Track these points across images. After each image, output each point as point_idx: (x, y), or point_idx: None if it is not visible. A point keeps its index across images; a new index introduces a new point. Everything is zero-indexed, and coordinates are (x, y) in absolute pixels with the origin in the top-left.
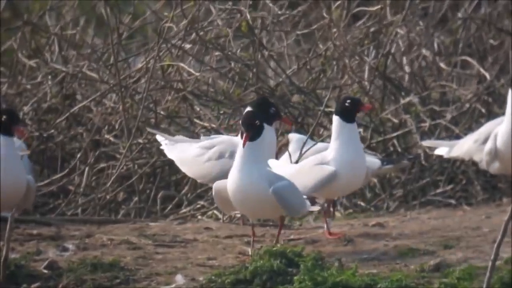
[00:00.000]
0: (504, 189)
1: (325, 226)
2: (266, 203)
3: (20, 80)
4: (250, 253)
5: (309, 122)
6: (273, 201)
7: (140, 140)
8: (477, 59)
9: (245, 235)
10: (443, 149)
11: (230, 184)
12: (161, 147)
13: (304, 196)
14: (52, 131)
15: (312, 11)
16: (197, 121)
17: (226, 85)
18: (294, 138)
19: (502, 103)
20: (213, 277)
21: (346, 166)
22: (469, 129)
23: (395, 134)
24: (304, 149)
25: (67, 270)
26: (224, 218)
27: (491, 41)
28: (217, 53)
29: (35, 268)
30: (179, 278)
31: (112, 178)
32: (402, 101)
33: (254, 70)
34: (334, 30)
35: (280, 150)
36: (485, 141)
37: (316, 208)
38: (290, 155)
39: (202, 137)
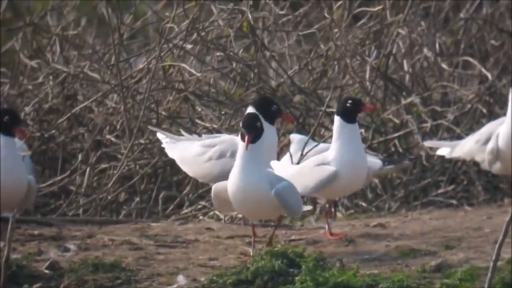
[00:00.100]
0: (506, 189)
1: (327, 227)
2: (267, 204)
3: (22, 81)
4: (251, 253)
5: (310, 122)
6: (274, 202)
7: (142, 141)
8: (479, 59)
9: (246, 235)
10: (444, 150)
11: (231, 185)
12: (162, 145)
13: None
14: (54, 131)
15: (314, 11)
16: (199, 121)
17: (228, 85)
18: (295, 138)
19: (504, 104)
20: (214, 278)
21: (347, 166)
22: (471, 130)
23: (396, 135)
24: (305, 150)
25: (68, 271)
26: (226, 219)
27: (493, 41)
28: (218, 54)
29: (37, 269)
30: (181, 279)
31: (114, 179)
32: (404, 102)
33: (256, 70)
34: (336, 30)
35: (282, 150)
36: (486, 141)
37: (308, 207)
38: (291, 155)
39: (203, 136)
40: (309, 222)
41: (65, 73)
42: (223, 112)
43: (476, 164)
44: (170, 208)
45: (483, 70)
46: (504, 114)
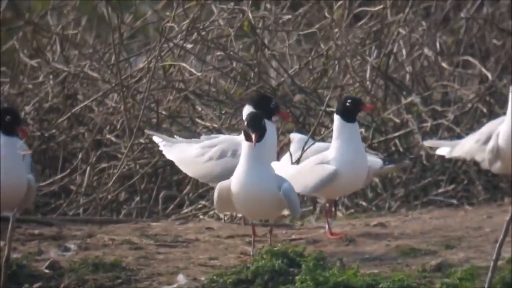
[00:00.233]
0: (506, 189)
1: (327, 226)
2: (273, 203)
3: (22, 80)
4: (251, 253)
5: (310, 122)
6: (281, 202)
7: (142, 140)
8: (479, 59)
9: (246, 235)
10: (444, 149)
11: (237, 184)
12: (160, 149)
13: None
14: (54, 131)
15: (314, 11)
16: (199, 121)
17: (228, 84)
18: (295, 138)
19: (504, 103)
20: (214, 277)
21: (347, 166)
22: (471, 129)
23: (396, 134)
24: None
25: (68, 270)
26: (226, 218)
27: (494, 41)
28: (218, 53)
29: (37, 268)
30: (181, 278)
31: (114, 178)
32: (404, 101)
33: (256, 69)
34: (336, 30)
35: (282, 150)
36: (486, 141)
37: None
38: (291, 155)
39: (202, 137)
40: (309, 221)
41: (65, 72)
42: (223, 112)
43: (476, 163)
44: (170, 208)
45: (483, 69)
46: (504, 114)
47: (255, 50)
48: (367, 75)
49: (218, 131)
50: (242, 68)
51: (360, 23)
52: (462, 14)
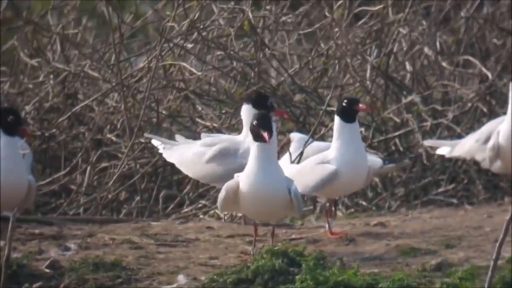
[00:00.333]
0: (506, 188)
1: (327, 226)
2: (282, 204)
3: (22, 80)
4: (251, 252)
5: (310, 121)
6: (290, 203)
7: (142, 140)
8: (479, 58)
9: (246, 234)
10: (444, 149)
11: (248, 185)
12: (160, 152)
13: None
14: (54, 130)
15: (314, 10)
16: (199, 120)
17: (228, 84)
18: (295, 137)
19: (504, 103)
20: (215, 277)
21: (347, 166)
22: (471, 129)
23: (397, 134)
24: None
25: (69, 270)
26: (226, 218)
27: (495, 40)
28: (219, 53)
29: (37, 268)
30: (181, 278)
31: (114, 178)
32: (404, 101)
33: (256, 69)
34: (336, 29)
35: (282, 149)
36: (486, 140)
37: None
38: (290, 154)
39: (202, 135)
40: (309, 221)
41: (65, 72)
42: (223, 111)
43: (476, 163)
44: (171, 207)
45: (484, 69)
46: (504, 113)
47: (255, 50)
48: (367, 74)
49: (218, 131)
50: (242, 68)
51: (360, 22)
52: (462, 14)
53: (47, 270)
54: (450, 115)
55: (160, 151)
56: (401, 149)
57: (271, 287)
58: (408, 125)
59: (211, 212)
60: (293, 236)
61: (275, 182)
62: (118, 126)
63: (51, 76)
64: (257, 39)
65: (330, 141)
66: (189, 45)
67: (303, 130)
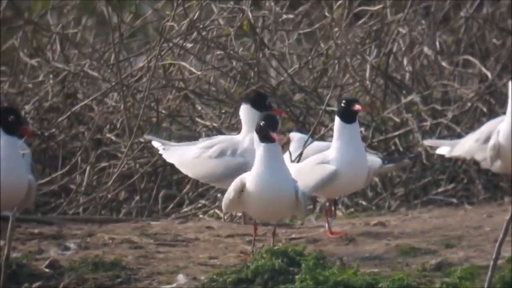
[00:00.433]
0: (506, 188)
1: (327, 225)
2: (289, 204)
3: (22, 79)
4: (251, 250)
5: (310, 121)
6: (296, 203)
7: (142, 139)
8: (479, 58)
9: (246, 234)
10: (444, 149)
11: (257, 185)
12: (160, 152)
13: None
14: (54, 130)
15: (314, 10)
16: (199, 120)
17: (228, 84)
18: (295, 137)
19: (504, 102)
20: (214, 276)
21: (347, 166)
22: (471, 128)
23: (396, 133)
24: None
25: (68, 269)
26: (225, 217)
27: (494, 40)
28: (218, 52)
29: (37, 267)
30: (181, 277)
31: (114, 177)
32: (404, 100)
33: (256, 69)
34: (336, 29)
35: (282, 149)
36: (486, 140)
37: None
38: (290, 154)
39: (200, 139)
40: (309, 220)
41: (65, 71)
42: (223, 111)
43: (476, 163)
44: (170, 207)
45: (483, 69)
46: (504, 113)
47: (254, 50)
48: (367, 74)
49: (218, 130)
50: (242, 67)
51: (360, 22)
52: (462, 14)
53: (47, 270)
54: (450, 115)
55: (160, 152)
56: (400, 149)
57: (271, 286)
58: (407, 125)
59: (211, 211)
60: (293, 236)
61: (283, 182)
62: (118, 125)
63: (51, 76)
64: (256, 39)
65: (330, 141)
66: (189, 45)
67: (302, 130)
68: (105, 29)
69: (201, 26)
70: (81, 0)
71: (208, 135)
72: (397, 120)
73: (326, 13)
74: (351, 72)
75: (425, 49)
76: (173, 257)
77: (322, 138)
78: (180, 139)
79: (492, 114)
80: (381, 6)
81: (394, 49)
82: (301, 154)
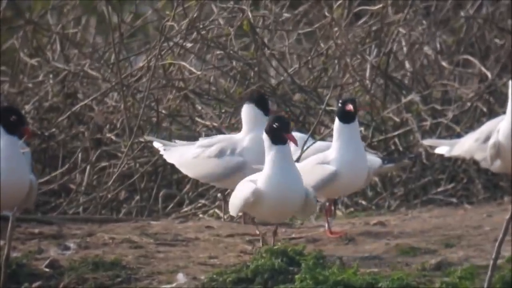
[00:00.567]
0: (506, 187)
1: (326, 225)
2: (300, 204)
3: (22, 79)
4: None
5: (310, 121)
6: (306, 204)
7: (142, 139)
8: (479, 58)
9: (246, 233)
10: (444, 148)
11: (273, 186)
12: (160, 153)
13: None
14: (54, 129)
15: (314, 10)
16: (199, 119)
17: (228, 83)
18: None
19: (504, 102)
20: (214, 276)
21: (347, 166)
22: (471, 128)
23: (396, 133)
24: (304, 148)
25: (68, 269)
26: (225, 217)
27: (497, 41)
28: (218, 52)
29: (37, 267)
30: (181, 277)
31: (114, 177)
32: (404, 100)
33: (256, 69)
34: (336, 29)
35: None
36: (486, 139)
37: None
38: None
39: (200, 139)
40: (309, 220)
41: (65, 71)
42: (223, 111)
43: (475, 162)
44: (170, 207)
45: (483, 68)
46: (504, 113)
47: (254, 49)
48: (367, 74)
49: (218, 130)
50: (242, 67)
51: (360, 22)
52: (462, 13)
53: (47, 270)
54: (450, 115)
55: (160, 152)
56: (400, 148)
57: (270, 286)
58: (407, 124)
59: (211, 211)
60: (293, 235)
61: (296, 183)
62: (118, 125)
63: (51, 76)
64: (256, 39)
65: (330, 141)
66: (189, 45)
67: (302, 130)
68: (105, 27)
69: (201, 26)
70: (81, 0)
71: (208, 135)
72: (397, 119)
73: (326, 13)
74: (351, 72)
75: (425, 48)
76: (173, 257)
77: (322, 138)
78: (180, 139)
79: (492, 114)
80: (381, 5)
81: (394, 49)
82: (300, 154)
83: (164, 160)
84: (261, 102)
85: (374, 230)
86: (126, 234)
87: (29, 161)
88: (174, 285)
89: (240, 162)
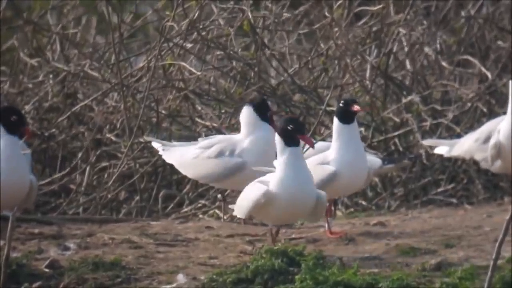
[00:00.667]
0: (506, 188)
1: (326, 225)
2: (312, 206)
3: (22, 79)
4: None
5: (310, 121)
6: (317, 205)
7: (142, 139)
8: (479, 58)
9: (246, 234)
10: (443, 148)
11: (288, 188)
12: (159, 153)
13: None
14: (54, 130)
15: (314, 10)
16: (199, 120)
17: (228, 84)
18: None
19: (504, 102)
20: (214, 276)
21: (347, 166)
22: (471, 128)
23: (396, 133)
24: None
25: (68, 269)
26: (225, 217)
27: (500, 42)
28: (218, 52)
29: (37, 267)
30: (181, 277)
31: (114, 177)
32: (404, 100)
33: (256, 69)
34: (336, 29)
35: None
36: (486, 140)
37: None
38: None
39: (199, 139)
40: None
41: (65, 71)
42: (223, 111)
43: (475, 162)
44: (170, 207)
45: (483, 69)
46: (504, 113)
47: (255, 50)
48: (367, 74)
49: (218, 131)
50: (242, 68)
51: (360, 22)
52: (463, 13)
53: (47, 270)
54: (450, 115)
55: (160, 152)
56: (400, 149)
57: (270, 286)
58: (407, 125)
59: (211, 212)
60: (293, 236)
61: (309, 186)
62: (118, 125)
63: (51, 76)
64: (256, 39)
65: (330, 141)
66: (189, 45)
67: None
68: (105, 27)
69: (201, 26)
70: (81, 0)
71: (207, 135)
72: (397, 120)
73: (326, 13)
74: (351, 72)
75: (426, 49)
76: (173, 257)
77: (323, 139)
78: (180, 139)
79: (492, 114)
80: (381, 6)
81: (394, 49)
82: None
83: (164, 161)
84: (260, 107)
85: (374, 231)
86: (126, 234)
87: (29, 161)
88: (174, 285)
89: (239, 162)
